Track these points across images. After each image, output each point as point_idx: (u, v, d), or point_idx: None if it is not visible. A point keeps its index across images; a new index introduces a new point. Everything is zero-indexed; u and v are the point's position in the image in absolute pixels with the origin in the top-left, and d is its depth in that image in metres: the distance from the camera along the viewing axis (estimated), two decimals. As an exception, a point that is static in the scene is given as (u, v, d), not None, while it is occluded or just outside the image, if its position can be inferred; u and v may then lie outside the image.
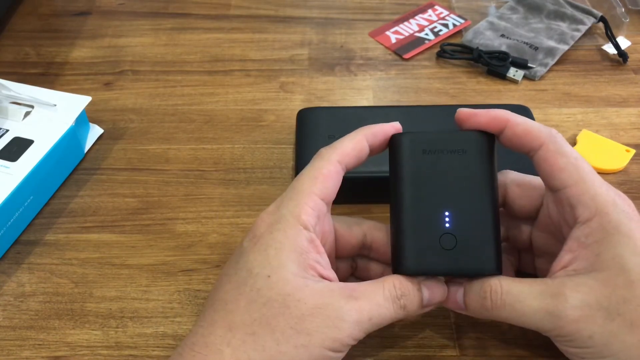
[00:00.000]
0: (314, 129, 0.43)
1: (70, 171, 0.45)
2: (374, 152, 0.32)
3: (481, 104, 0.49)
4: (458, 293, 0.30)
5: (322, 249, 0.29)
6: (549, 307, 0.27)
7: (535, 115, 0.49)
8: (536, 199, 0.32)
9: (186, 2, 0.62)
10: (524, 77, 0.52)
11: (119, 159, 0.46)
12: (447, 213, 0.30)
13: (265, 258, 0.28)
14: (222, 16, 0.60)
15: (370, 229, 0.33)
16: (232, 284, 0.28)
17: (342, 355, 0.28)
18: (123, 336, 0.35)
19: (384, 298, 0.28)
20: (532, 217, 0.33)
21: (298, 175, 0.30)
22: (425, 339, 0.35)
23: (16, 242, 0.40)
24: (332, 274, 0.29)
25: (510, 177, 0.33)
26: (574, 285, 0.27)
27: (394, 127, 0.32)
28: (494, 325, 0.35)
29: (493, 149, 0.31)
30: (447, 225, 0.30)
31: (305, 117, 0.45)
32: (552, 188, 0.30)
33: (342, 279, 0.32)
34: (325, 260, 0.29)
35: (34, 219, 0.41)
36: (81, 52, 0.56)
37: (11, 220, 0.39)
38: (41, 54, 0.56)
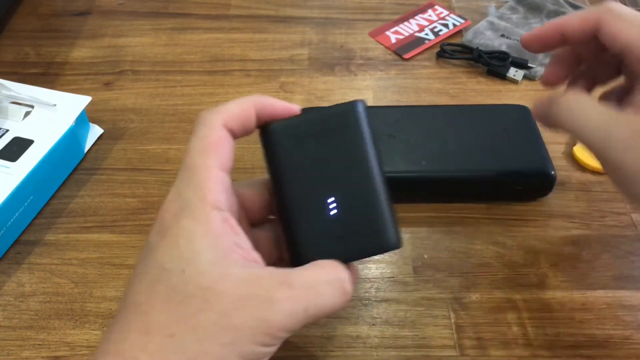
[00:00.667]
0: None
1: (70, 171, 0.45)
2: (261, 120, 0.28)
3: (481, 104, 0.49)
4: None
5: (239, 229, 0.26)
6: (607, 126, 0.29)
7: (535, 115, 0.49)
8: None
9: (186, 2, 0.62)
10: (524, 77, 0.52)
11: (119, 159, 0.46)
12: (332, 199, 0.28)
13: (176, 251, 0.24)
14: (222, 16, 0.60)
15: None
16: (144, 283, 0.24)
17: (275, 348, 0.25)
18: (123, 336, 0.35)
19: (324, 283, 0.25)
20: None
21: (187, 150, 0.26)
22: (425, 339, 0.35)
23: (16, 242, 0.40)
24: (256, 256, 0.26)
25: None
26: (631, 116, 0.29)
27: (287, 107, 0.29)
28: (494, 325, 0.35)
29: (362, 120, 0.28)
30: (335, 210, 0.28)
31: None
32: (619, 54, 0.31)
33: (269, 253, 0.29)
34: (244, 241, 0.26)
35: (34, 219, 0.41)
36: (81, 52, 0.56)
37: (11, 220, 0.39)
38: (41, 54, 0.56)
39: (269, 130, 0.28)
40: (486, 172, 0.41)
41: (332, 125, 0.28)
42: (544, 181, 0.41)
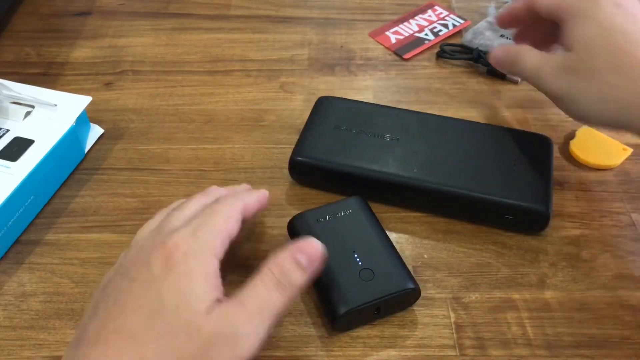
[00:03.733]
0: (325, 118, 0.44)
1: (71, 171, 0.45)
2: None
3: (506, 127, 0.48)
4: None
5: (219, 274, 0.30)
6: (539, 64, 0.39)
7: (534, 115, 0.49)
8: None
9: (186, 2, 0.62)
10: (524, 77, 0.52)
11: (119, 159, 0.46)
12: (356, 255, 0.35)
13: (178, 288, 0.28)
14: (223, 16, 0.60)
15: None
16: (143, 314, 0.27)
17: None
18: (123, 336, 0.35)
19: (267, 290, 0.28)
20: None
21: (215, 210, 0.31)
22: (425, 339, 0.35)
23: (17, 241, 0.40)
24: (221, 287, 0.29)
25: None
26: (556, 55, 0.38)
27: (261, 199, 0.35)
28: (494, 325, 0.35)
29: (368, 205, 0.39)
30: (360, 263, 0.35)
31: (322, 105, 0.46)
32: (547, 16, 0.40)
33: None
34: (219, 280, 0.29)
35: (34, 218, 0.42)
36: (81, 52, 0.56)
37: (12, 220, 0.39)
38: (42, 54, 0.56)
39: (297, 221, 0.38)
40: (476, 192, 0.39)
41: (347, 208, 0.38)
42: (537, 219, 0.39)
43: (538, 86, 0.39)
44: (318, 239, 0.34)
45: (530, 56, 0.40)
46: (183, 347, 0.26)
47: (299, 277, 0.29)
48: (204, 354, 0.26)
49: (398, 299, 0.34)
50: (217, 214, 0.31)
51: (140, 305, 0.28)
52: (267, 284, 0.29)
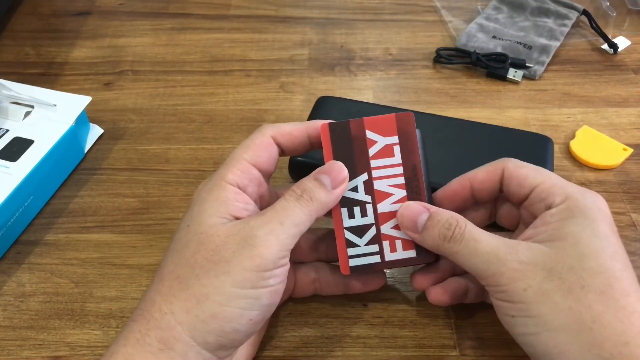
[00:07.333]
0: (324, 118, 0.44)
1: (71, 171, 0.45)
2: (315, 145, 0.33)
3: (505, 127, 0.48)
4: (421, 217, 0.31)
5: (250, 201, 0.30)
6: (500, 253, 0.28)
7: (535, 115, 0.49)
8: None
9: (186, 2, 0.62)
10: (523, 76, 0.52)
11: (119, 159, 0.46)
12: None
13: (189, 214, 0.29)
14: (222, 16, 0.60)
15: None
16: (168, 248, 0.30)
17: (275, 276, 0.28)
18: (123, 336, 0.35)
19: (287, 202, 0.29)
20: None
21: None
22: (425, 339, 0.35)
23: (16, 242, 0.40)
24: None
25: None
26: (528, 246, 0.29)
27: None
28: (494, 325, 0.35)
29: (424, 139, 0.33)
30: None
31: (322, 105, 0.45)
32: (523, 196, 0.32)
33: (306, 253, 0.35)
34: (255, 208, 0.30)
35: (34, 219, 0.42)
36: (81, 52, 0.56)
37: (11, 220, 0.39)
38: (41, 54, 0.56)
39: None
40: None
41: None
42: None
43: (492, 280, 0.28)
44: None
45: (484, 237, 0.29)
46: (196, 254, 0.27)
47: (322, 194, 0.30)
48: (218, 255, 0.27)
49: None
50: (235, 149, 0.31)
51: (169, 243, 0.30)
52: (288, 198, 0.29)
